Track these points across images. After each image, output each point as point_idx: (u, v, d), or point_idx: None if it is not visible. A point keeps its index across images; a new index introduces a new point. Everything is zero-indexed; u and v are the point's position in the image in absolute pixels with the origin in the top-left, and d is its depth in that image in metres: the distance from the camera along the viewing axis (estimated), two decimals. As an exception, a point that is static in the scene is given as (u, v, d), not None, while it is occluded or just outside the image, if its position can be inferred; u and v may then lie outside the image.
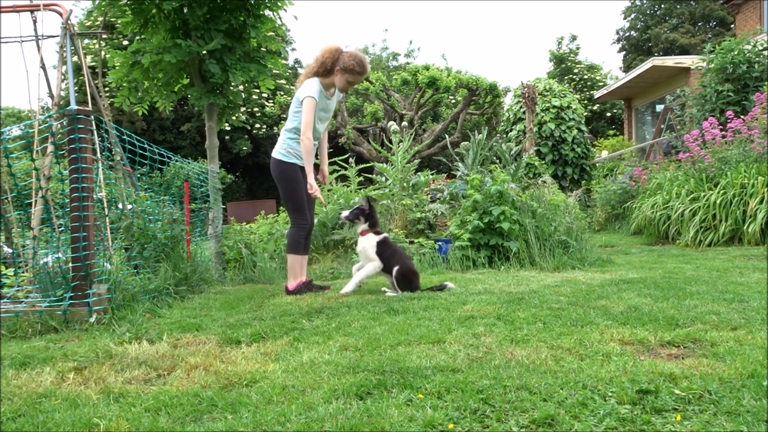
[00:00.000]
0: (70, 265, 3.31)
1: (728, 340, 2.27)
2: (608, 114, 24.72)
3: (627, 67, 28.53)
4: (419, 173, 6.75)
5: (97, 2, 5.17)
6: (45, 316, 3.13)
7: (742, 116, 7.63)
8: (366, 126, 19.92)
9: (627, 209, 8.97)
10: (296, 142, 4.09)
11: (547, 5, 66.88)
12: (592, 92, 23.52)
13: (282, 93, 21.43)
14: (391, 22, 71.84)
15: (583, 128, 12.52)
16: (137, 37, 5.28)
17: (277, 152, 4.13)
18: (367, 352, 2.37)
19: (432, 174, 7.02)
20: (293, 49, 32.78)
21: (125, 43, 13.53)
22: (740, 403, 1.63)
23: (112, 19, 6.00)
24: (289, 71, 24.05)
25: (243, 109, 20.93)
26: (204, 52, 5.04)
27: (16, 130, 4.16)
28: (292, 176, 4.10)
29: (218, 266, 5.38)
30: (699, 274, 4.11)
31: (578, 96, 20.80)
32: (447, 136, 11.66)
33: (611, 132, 22.34)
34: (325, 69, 4.04)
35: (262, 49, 5.56)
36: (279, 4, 5.35)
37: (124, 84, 5.44)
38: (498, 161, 7.67)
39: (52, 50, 28.88)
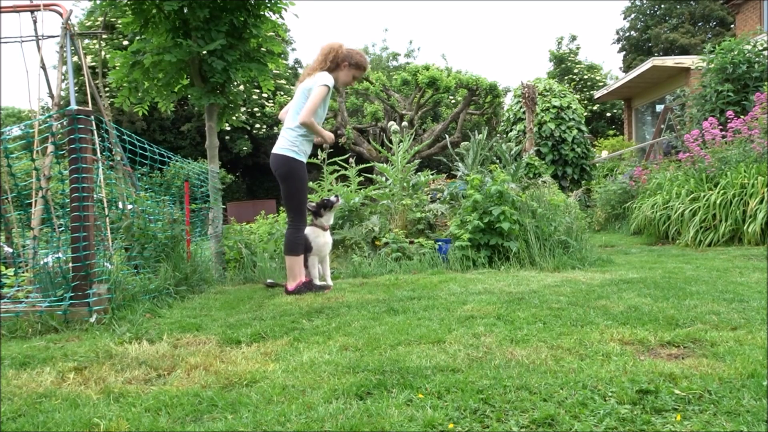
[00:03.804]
0: (71, 265, 3.31)
1: (728, 340, 2.27)
2: (608, 114, 24.71)
3: (627, 67, 28.52)
4: (419, 173, 6.75)
5: (97, 2, 5.17)
6: (45, 316, 3.13)
7: (742, 116, 7.63)
8: (366, 126, 19.92)
9: (627, 209, 8.97)
10: (306, 140, 4.04)
11: (547, 5, 66.89)
12: (592, 92, 23.50)
13: (282, 93, 21.42)
14: (391, 22, 71.81)
15: (583, 128, 12.52)
16: (137, 38, 5.28)
17: (286, 149, 4.00)
18: (367, 352, 2.37)
19: (432, 174, 7.02)
20: (293, 49, 32.81)
21: (125, 43, 13.53)
22: (740, 403, 1.63)
23: (113, 19, 6.01)
24: (289, 71, 24.04)
25: (243, 109, 20.92)
26: (204, 51, 5.04)
27: (16, 130, 4.16)
28: (302, 175, 4.04)
29: (218, 266, 5.38)
30: (699, 274, 4.11)
31: (578, 96, 20.79)
32: (447, 136, 11.66)
33: (611, 132, 22.33)
34: (334, 64, 4.05)
35: (262, 49, 5.56)
36: (279, 5, 5.35)
37: (125, 84, 5.44)
38: (498, 161, 7.67)
39: (53, 50, 28.91)
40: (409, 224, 6.01)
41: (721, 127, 7.50)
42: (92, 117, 3.49)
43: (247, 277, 5.25)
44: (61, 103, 4.95)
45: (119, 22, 5.30)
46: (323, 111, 4.11)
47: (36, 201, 4.18)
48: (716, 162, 6.94)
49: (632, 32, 31.08)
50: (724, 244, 6.10)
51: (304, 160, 4.09)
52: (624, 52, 31.41)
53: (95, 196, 3.58)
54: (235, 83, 5.75)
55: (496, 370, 2.02)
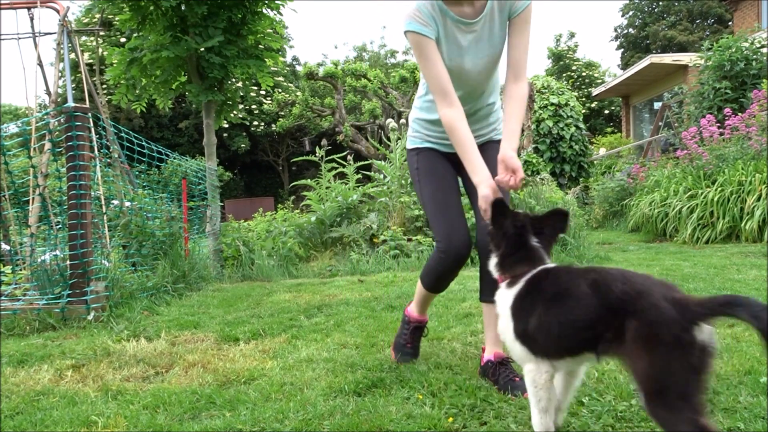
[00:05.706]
0: (68, 262, 3.31)
1: (725, 337, 2.28)
2: (606, 111, 24.70)
3: (625, 65, 28.51)
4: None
5: (95, -1, 5.17)
6: (43, 313, 3.13)
7: (739, 113, 7.63)
8: (364, 123, 19.90)
9: (625, 206, 8.97)
10: (416, 120, 2.25)
11: (545, 3, 66.80)
12: (590, 89, 23.49)
13: (280, 90, 21.35)
14: (389, 20, 71.69)
15: (581, 125, 12.51)
16: (135, 34, 5.27)
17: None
18: (365, 349, 2.37)
19: (430, 171, 7.00)
20: (291, 47, 32.72)
21: (123, 40, 13.49)
22: (737, 400, 1.63)
23: (110, 16, 5.99)
24: (287, 68, 23.97)
25: (241, 106, 20.86)
26: (202, 48, 5.03)
27: (13, 127, 4.15)
28: (410, 168, 2.31)
29: (216, 264, 5.38)
30: (696, 272, 4.11)
31: (576, 93, 20.76)
32: (445, 134, 11.64)
33: (609, 129, 22.32)
34: None
35: (260, 45, 5.55)
36: (277, 1, 5.34)
37: (122, 81, 5.43)
38: (496, 158, 7.65)
39: (50, 47, 28.78)
40: (407, 222, 6.01)
41: (718, 124, 7.50)
42: (89, 114, 3.48)
43: (245, 274, 5.25)
44: (59, 100, 4.93)
45: (117, 19, 5.29)
46: (459, 60, 2.03)
47: (33, 198, 4.16)
48: (714, 159, 6.94)
49: (630, 29, 31.08)
50: (722, 242, 6.10)
51: (421, 144, 2.26)
52: (622, 50, 31.42)
53: (93, 193, 3.57)
54: (234, 80, 5.74)
55: (494, 368, 2.02)
